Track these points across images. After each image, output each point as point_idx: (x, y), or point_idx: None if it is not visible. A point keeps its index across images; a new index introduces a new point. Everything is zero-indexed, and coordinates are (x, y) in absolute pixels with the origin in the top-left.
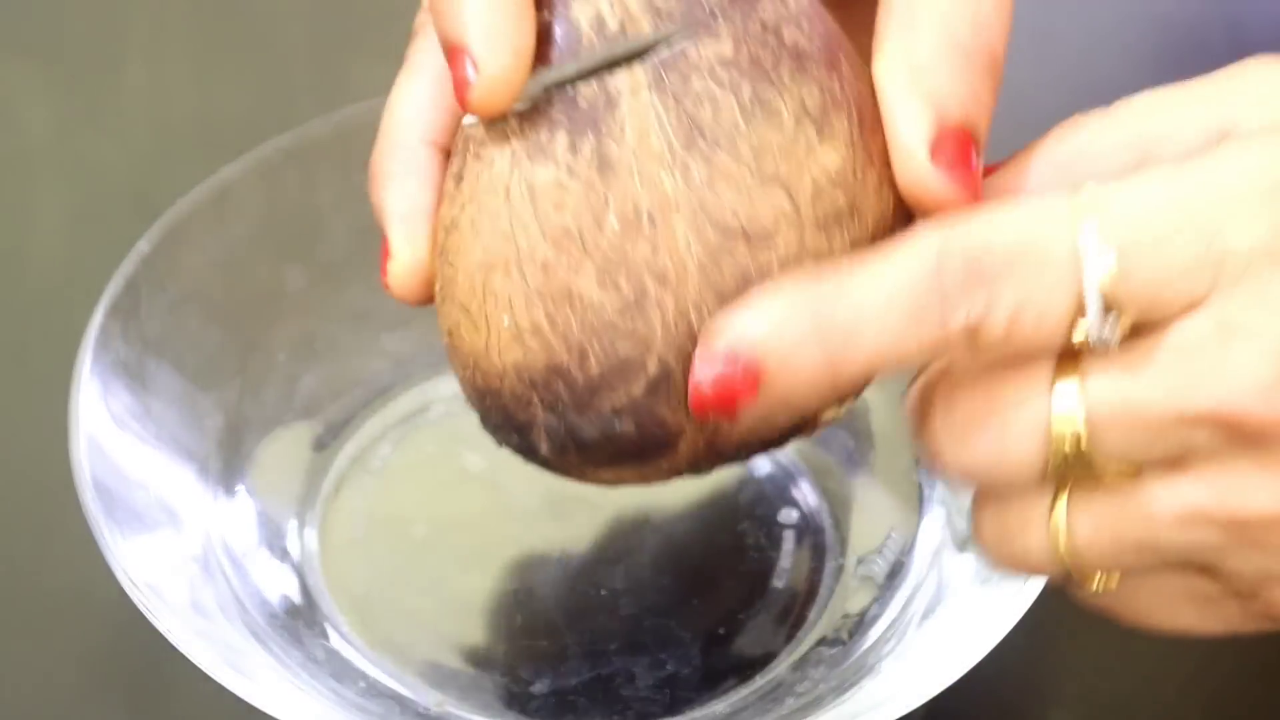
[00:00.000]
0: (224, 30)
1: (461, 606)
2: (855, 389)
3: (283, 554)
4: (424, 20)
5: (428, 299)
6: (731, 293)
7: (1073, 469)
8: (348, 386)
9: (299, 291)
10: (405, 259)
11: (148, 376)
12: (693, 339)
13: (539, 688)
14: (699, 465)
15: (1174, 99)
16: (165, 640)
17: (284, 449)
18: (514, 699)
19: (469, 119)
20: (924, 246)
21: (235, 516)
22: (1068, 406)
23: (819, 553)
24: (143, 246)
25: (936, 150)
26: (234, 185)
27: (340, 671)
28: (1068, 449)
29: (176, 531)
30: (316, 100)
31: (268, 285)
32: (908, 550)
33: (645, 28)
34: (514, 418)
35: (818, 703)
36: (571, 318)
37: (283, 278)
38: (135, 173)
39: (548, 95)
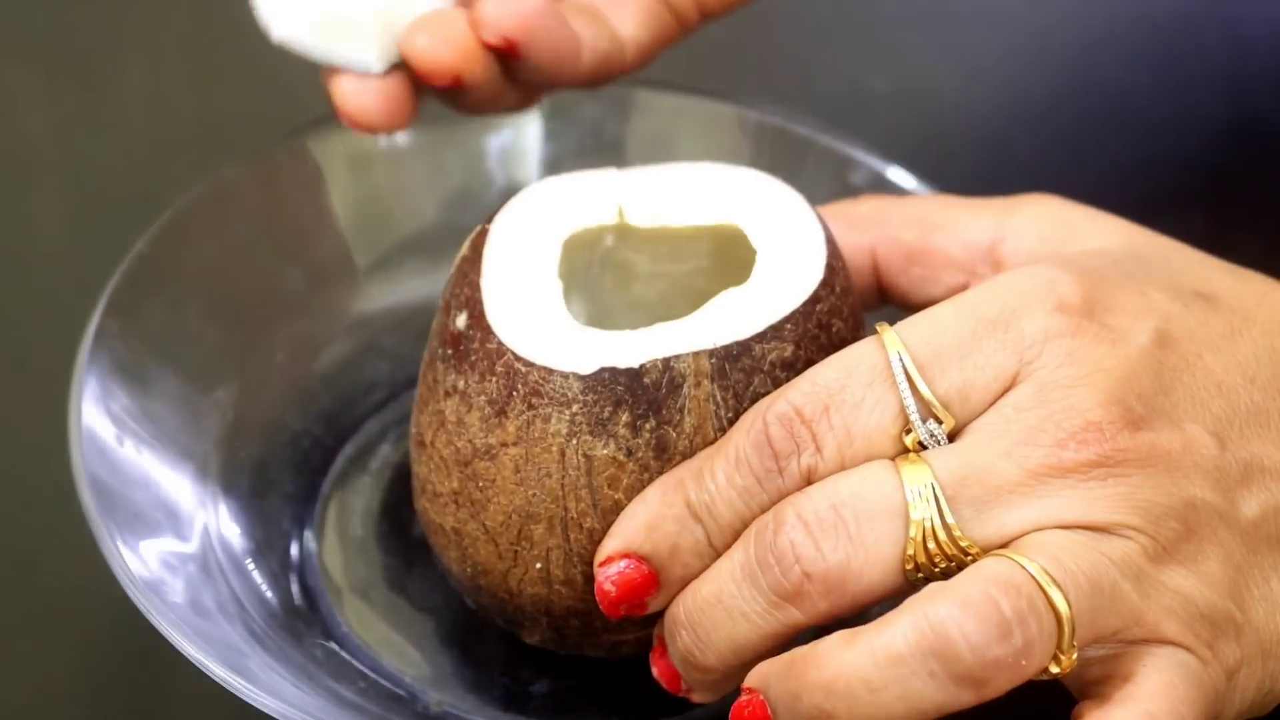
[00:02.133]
0: (224, 30)
1: (462, 606)
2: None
3: (282, 554)
4: None
5: (393, 118)
6: None
7: (934, 549)
8: (348, 386)
9: (299, 291)
10: (360, 81)
11: (147, 377)
12: None
13: (539, 688)
14: None
15: (962, 201)
16: (165, 640)
17: (283, 449)
18: (514, 699)
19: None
20: (753, 415)
21: (234, 516)
22: (919, 479)
23: None
24: (142, 246)
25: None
26: (234, 185)
27: (340, 671)
28: (928, 524)
29: (176, 531)
30: (316, 100)
31: (268, 285)
32: None
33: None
34: (513, 618)
35: None
36: None
37: (283, 278)
38: (135, 173)
39: (611, 370)
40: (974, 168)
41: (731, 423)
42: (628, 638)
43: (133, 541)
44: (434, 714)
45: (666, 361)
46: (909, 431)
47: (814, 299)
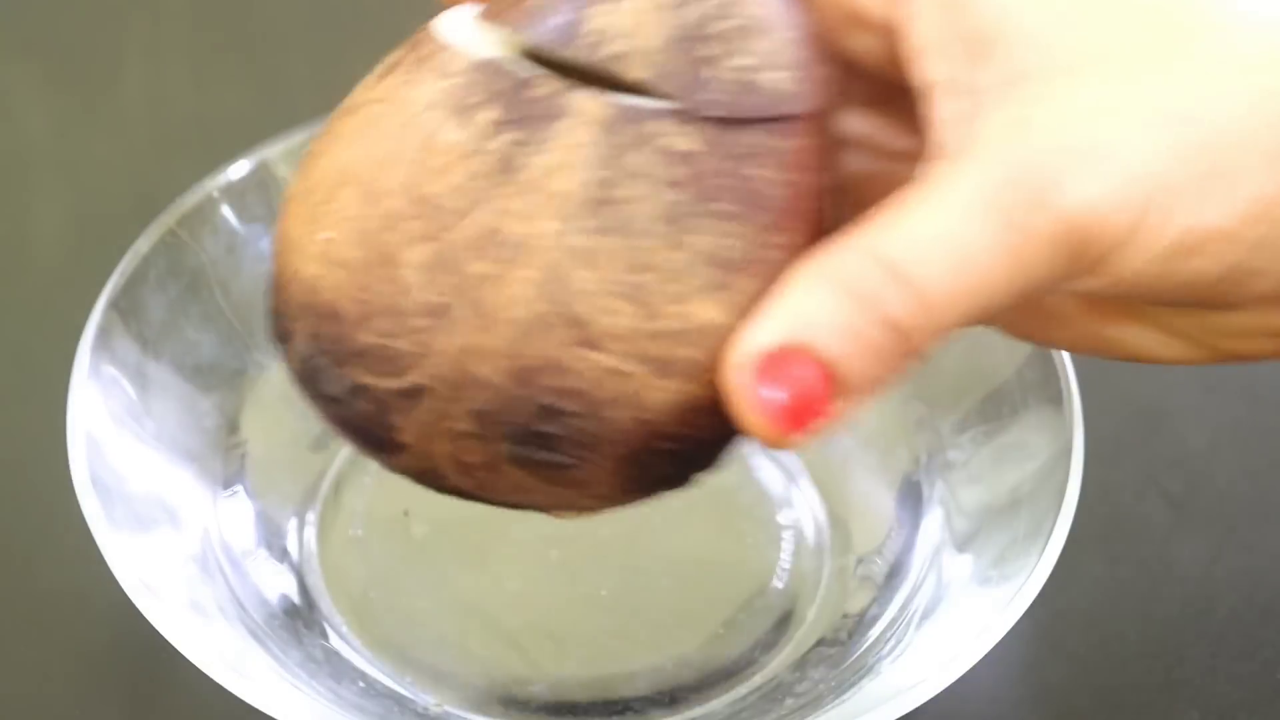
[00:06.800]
0: (224, 30)
1: (461, 606)
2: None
3: (281, 554)
4: None
5: None
6: (523, 368)
7: None
8: None
9: None
10: None
11: (147, 376)
12: (456, 383)
13: (539, 688)
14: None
15: None
16: (164, 640)
17: (283, 449)
18: (514, 699)
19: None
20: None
21: (234, 516)
22: None
23: (819, 553)
24: (142, 246)
25: (766, 365)
26: (234, 185)
27: (339, 671)
28: None
29: (175, 531)
30: (316, 100)
31: (268, 285)
32: (907, 550)
33: (638, 73)
34: (277, 327)
35: (817, 703)
36: (377, 282)
37: None
38: (135, 173)
39: (508, 66)
40: None
41: (588, 187)
42: (365, 383)
43: (132, 542)
44: (434, 714)
45: (561, 88)
46: None
47: (743, 121)
